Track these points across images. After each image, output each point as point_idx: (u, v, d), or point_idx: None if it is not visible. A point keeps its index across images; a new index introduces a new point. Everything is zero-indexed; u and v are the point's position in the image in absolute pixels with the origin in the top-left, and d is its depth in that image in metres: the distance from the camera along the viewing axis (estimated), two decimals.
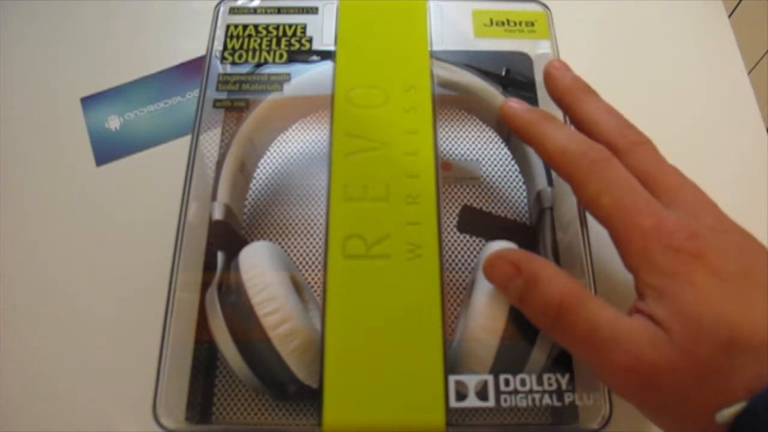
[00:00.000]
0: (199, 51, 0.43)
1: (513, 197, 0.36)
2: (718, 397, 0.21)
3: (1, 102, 0.42)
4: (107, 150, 0.40)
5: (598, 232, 0.29)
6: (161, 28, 0.45)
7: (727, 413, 0.20)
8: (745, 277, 0.22)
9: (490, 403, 0.25)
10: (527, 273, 0.25)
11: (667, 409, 0.22)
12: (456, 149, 0.37)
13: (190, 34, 0.44)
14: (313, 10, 0.36)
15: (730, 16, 0.45)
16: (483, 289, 0.27)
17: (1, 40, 0.44)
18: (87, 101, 0.42)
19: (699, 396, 0.21)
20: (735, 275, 0.22)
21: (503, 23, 0.35)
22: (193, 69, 0.43)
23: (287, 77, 0.34)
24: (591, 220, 0.30)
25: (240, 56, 0.34)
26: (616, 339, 0.22)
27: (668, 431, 0.24)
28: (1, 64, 0.43)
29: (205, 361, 0.30)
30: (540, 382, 0.26)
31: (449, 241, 0.33)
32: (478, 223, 0.34)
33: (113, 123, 0.41)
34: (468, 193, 0.36)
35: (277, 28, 0.35)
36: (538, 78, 0.35)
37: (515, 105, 0.30)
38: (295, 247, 0.34)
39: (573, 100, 0.29)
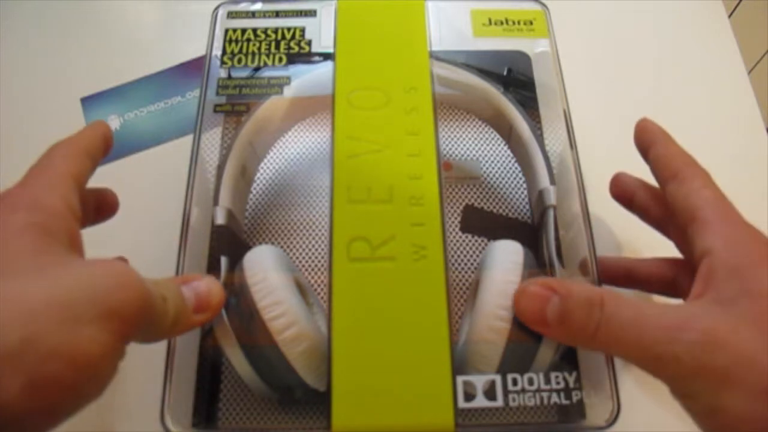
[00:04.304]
0: (199, 52, 0.43)
1: (515, 196, 0.36)
2: None
3: (2, 102, 0.41)
4: None
5: (600, 230, 0.29)
6: (161, 28, 0.45)
7: None
8: None
9: (499, 402, 0.25)
10: (561, 289, 0.25)
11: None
12: (456, 149, 0.37)
13: (190, 35, 0.44)
14: (311, 13, 0.35)
15: (730, 16, 0.45)
16: (488, 288, 0.27)
17: (2, 40, 0.44)
18: (87, 101, 0.41)
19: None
20: None
21: (502, 22, 0.35)
22: (193, 69, 0.42)
23: (287, 80, 0.34)
24: (593, 218, 0.30)
25: (239, 60, 0.34)
26: (684, 318, 0.22)
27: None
28: (2, 64, 0.43)
29: (211, 366, 0.30)
30: (547, 380, 0.26)
31: (453, 241, 0.33)
32: (481, 222, 0.34)
33: (113, 123, 0.41)
34: (469, 193, 0.36)
35: (275, 31, 0.35)
36: (537, 76, 0.36)
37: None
38: (297, 250, 0.34)
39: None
